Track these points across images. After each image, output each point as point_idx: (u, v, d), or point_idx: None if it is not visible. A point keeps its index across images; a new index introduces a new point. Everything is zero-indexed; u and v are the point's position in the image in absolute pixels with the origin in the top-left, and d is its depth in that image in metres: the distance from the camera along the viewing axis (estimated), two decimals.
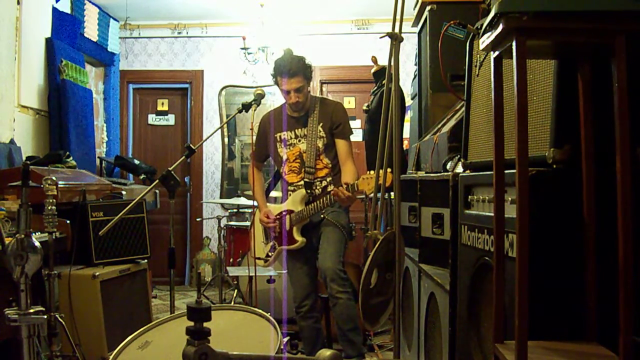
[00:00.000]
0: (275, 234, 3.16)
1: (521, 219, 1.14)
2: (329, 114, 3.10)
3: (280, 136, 3.19)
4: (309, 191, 3.09)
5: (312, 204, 3.02)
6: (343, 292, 2.92)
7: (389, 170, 2.70)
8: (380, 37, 2.14)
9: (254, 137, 3.35)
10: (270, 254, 3.22)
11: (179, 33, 6.01)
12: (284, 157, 3.18)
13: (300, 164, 3.13)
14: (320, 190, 3.12)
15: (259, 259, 3.25)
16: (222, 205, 5.84)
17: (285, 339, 3.50)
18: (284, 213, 3.14)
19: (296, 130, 3.15)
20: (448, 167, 2.17)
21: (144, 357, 1.73)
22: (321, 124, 3.10)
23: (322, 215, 3.06)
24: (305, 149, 3.11)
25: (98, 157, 5.14)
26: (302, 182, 3.12)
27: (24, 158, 3.76)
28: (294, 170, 3.16)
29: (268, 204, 3.34)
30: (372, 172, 2.77)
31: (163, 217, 5.34)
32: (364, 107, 3.65)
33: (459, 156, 2.06)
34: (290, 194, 3.17)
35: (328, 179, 3.13)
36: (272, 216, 3.17)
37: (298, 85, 3.01)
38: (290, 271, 3.21)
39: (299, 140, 3.14)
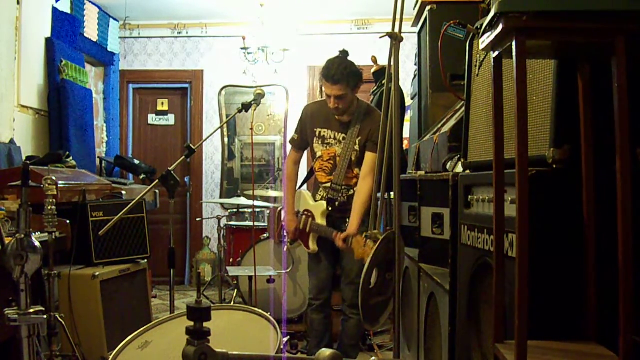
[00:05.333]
0: (300, 226, 3.17)
1: (521, 219, 1.14)
2: (369, 130, 3.03)
3: (319, 132, 3.13)
4: (330, 208, 3.09)
5: (329, 229, 3.04)
6: (357, 314, 3.01)
7: (369, 242, 2.75)
8: (380, 37, 2.14)
9: (254, 137, 3.34)
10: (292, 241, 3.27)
11: (179, 33, 6.01)
12: (318, 154, 3.14)
13: (333, 166, 3.10)
14: (346, 198, 3.09)
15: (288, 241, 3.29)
16: (222, 205, 5.84)
17: (285, 339, 3.50)
18: (309, 213, 3.15)
19: (336, 133, 3.10)
20: (448, 167, 2.17)
21: (144, 357, 1.73)
22: (359, 138, 3.05)
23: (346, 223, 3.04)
24: (340, 153, 3.07)
25: (98, 157, 5.14)
26: (328, 185, 3.10)
27: (24, 158, 3.76)
28: (325, 170, 3.13)
29: (306, 192, 3.33)
30: (369, 242, 2.80)
31: (163, 217, 5.34)
32: None
33: (459, 156, 2.06)
34: (320, 194, 3.15)
35: (357, 188, 3.10)
36: (292, 229, 3.19)
37: (339, 93, 2.94)
38: (311, 263, 3.24)
39: (337, 143, 3.09)
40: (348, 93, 2.97)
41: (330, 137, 3.12)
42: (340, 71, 2.92)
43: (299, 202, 3.26)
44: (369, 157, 3.02)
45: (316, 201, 3.17)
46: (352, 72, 2.97)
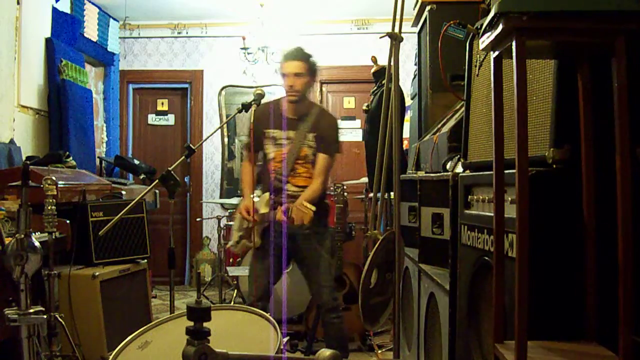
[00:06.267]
0: (243, 226, 3.08)
1: (521, 219, 1.14)
2: (323, 127, 3.03)
3: (270, 133, 3.09)
4: (272, 196, 3.01)
5: (274, 212, 2.97)
6: (337, 317, 3.03)
7: (310, 206, 2.81)
8: (380, 37, 2.14)
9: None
10: (238, 241, 3.14)
11: (179, 33, 6.01)
12: (271, 156, 3.09)
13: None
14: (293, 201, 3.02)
15: (227, 241, 3.22)
16: (222, 205, 5.84)
17: (285, 339, 3.50)
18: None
19: (288, 132, 3.05)
20: (448, 167, 2.17)
21: (144, 357, 1.73)
22: (314, 134, 3.02)
23: (306, 230, 2.98)
24: (288, 151, 3.02)
25: (98, 157, 5.14)
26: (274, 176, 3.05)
27: (23, 158, 3.76)
28: (278, 172, 3.07)
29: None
30: (307, 204, 2.85)
31: (163, 217, 5.34)
32: (364, 107, 3.65)
33: (458, 156, 2.06)
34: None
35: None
36: (251, 212, 3.06)
37: (297, 70, 2.96)
38: (252, 267, 3.16)
39: (290, 142, 3.04)
40: (305, 74, 2.99)
41: (281, 138, 3.06)
42: (299, 51, 3.01)
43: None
44: (321, 157, 3.02)
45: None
46: (310, 56, 3.03)
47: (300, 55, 2.99)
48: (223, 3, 5.40)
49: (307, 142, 3.03)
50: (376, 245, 2.05)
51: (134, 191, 4.26)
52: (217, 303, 4.09)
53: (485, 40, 1.27)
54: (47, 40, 4.31)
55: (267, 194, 3.03)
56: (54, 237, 2.60)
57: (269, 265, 3.05)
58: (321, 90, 6.01)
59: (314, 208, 2.86)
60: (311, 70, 3.02)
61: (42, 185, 2.48)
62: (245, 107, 2.97)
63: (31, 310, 1.91)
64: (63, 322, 2.67)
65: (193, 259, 5.90)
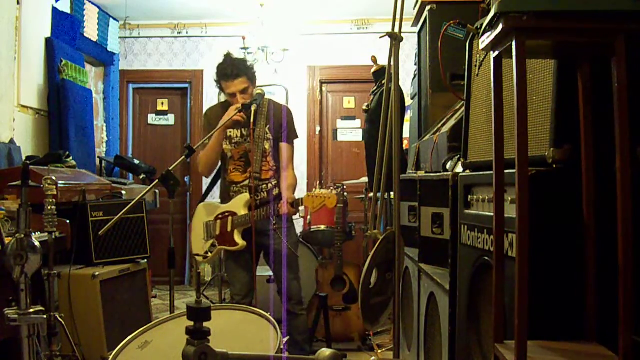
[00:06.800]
0: (216, 233, 3.10)
1: (521, 219, 1.14)
2: (277, 117, 3.09)
3: (225, 133, 3.11)
4: (252, 196, 3.03)
5: (256, 211, 2.99)
6: (303, 310, 3.20)
7: (333, 192, 2.92)
8: (380, 37, 2.14)
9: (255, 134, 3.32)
10: (211, 249, 3.15)
11: (179, 33, 6.01)
12: (229, 155, 3.13)
13: (245, 163, 3.09)
14: (266, 194, 3.08)
15: (197, 255, 3.22)
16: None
17: (285, 339, 3.51)
18: (226, 214, 3.08)
19: (242, 130, 3.09)
20: (448, 167, 2.17)
21: (144, 357, 1.73)
22: (268, 126, 3.08)
23: (275, 225, 3.00)
24: (252, 148, 3.05)
25: (98, 157, 5.14)
26: (246, 182, 3.07)
27: (23, 158, 3.76)
28: (239, 170, 3.11)
29: (212, 201, 3.32)
30: (318, 190, 2.95)
31: (163, 217, 5.34)
32: (364, 107, 3.65)
33: (458, 156, 2.06)
34: (233, 195, 3.11)
35: (273, 182, 3.11)
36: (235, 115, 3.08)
37: (242, 87, 3.01)
38: (230, 270, 3.19)
39: (245, 140, 3.08)
40: (249, 86, 3.04)
41: (237, 137, 3.11)
42: (236, 66, 3.02)
43: (207, 213, 3.18)
44: (284, 147, 3.11)
45: (232, 198, 3.12)
46: (246, 64, 3.07)
47: (239, 70, 3.01)
48: (223, 3, 5.40)
49: (266, 136, 3.09)
50: (376, 245, 2.06)
51: (134, 191, 4.26)
52: (217, 303, 4.09)
53: (485, 40, 1.27)
54: (47, 40, 4.31)
55: (244, 195, 3.05)
56: (54, 237, 2.60)
57: (247, 263, 3.09)
58: (321, 90, 6.01)
59: (334, 192, 2.96)
60: (252, 79, 3.07)
61: (42, 185, 2.48)
62: (245, 107, 2.98)
63: (31, 310, 1.91)
64: (63, 322, 2.67)
65: (193, 259, 5.89)
